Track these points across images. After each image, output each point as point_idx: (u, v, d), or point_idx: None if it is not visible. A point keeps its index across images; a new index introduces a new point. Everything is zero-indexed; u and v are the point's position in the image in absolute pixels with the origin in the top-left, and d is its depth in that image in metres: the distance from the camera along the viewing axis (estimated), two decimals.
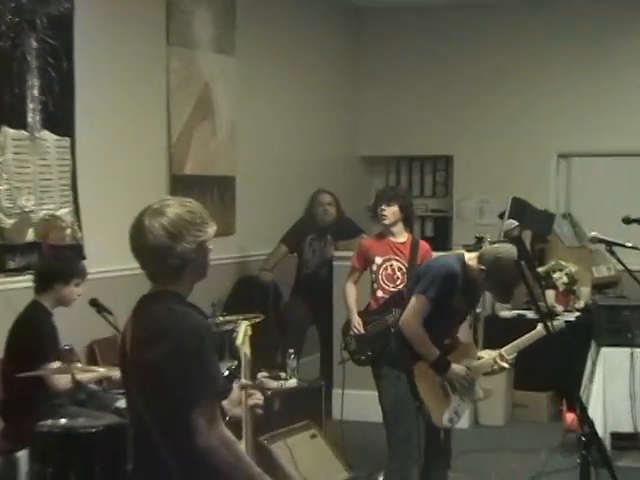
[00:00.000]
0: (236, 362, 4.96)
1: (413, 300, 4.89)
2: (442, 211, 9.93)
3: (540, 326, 4.98)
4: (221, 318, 5.65)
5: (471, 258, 4.93)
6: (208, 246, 2.82)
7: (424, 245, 6.13)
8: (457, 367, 4.98)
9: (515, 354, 5.10)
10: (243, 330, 2.98)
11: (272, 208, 8.07)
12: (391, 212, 5.99)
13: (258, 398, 2.98)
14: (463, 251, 5.15)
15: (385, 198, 6.01)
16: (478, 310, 7.09)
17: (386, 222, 6.02)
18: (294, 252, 7.79)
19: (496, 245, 4.97)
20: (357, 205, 9.20)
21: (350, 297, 6.13)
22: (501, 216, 7.92)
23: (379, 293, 6.03)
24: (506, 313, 7.85)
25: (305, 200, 7.81)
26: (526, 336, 5.06)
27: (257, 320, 5.73)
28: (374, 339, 5.91)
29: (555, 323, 5.05)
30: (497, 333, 6.94)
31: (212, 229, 2.83)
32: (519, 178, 9.05)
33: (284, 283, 7.84)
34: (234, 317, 5.69)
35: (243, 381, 2.91)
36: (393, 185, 8.89)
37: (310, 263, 7.72)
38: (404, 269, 5.99)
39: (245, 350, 2.96)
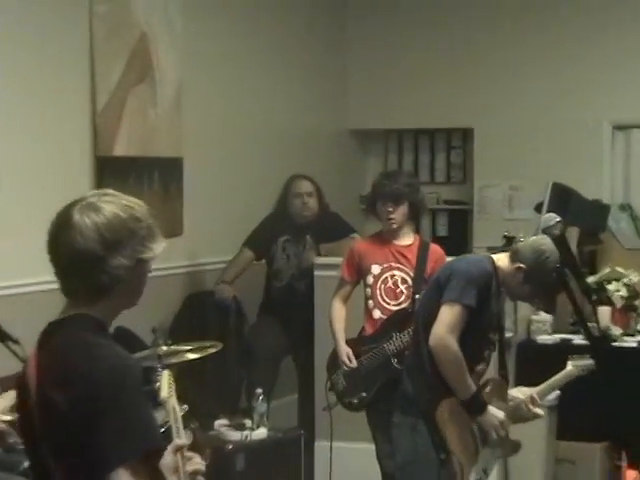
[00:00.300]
0: (185, 406, 4.97)
1: (445, 310, 4.86)
2: (459, 202, 9.95)
3: (570, 365, 5.03)
4: (165, 348, 5.60)
5: (500, 259, 4.97)
6: (148, 267, 2.83)
7: (436, 249, 6.13)
8: (495, 410, 4.96)
9: (555, 395, 5.11)
10: (166, 381, 3.01)
11: (232, 200, 8.06)
12: (400, 214, 6.01)
13: (198, 462, 2.99)
14: (488, 254, 5.17)
15: (391, 196, 5.99)
16: (508, 334, 7.08)
17: (395, 227, 6.02)
18: (262, 259, 7.79)
19: (533, 238, 5.00)
20: (346, 195, 9.21)
21: (337, 319, 6.14)
22: (538, 208, 7.93)
23: (376, 314, 6.03)
24: (546, 337, 7.83)
25: (277, 189, 7.80)
26: (559, 375, 5.12)
27: (213, 350, 5.73)
28: (370, 375, 5.91)
29: (582, 362, 5.10)
30: (534, 364, 6.91)
31: (159, 246, 2.85)
32: (561, 158, 9.08)
33: (249, 300, 7.82)
34: (183, 347, 5.66)
35: (177, 442, 2.91)
36: (394, 170, 8.80)
37: (284, 273, 7.71)
38: (409, 281, 5.98)
39: (173, 404, 2.98)
